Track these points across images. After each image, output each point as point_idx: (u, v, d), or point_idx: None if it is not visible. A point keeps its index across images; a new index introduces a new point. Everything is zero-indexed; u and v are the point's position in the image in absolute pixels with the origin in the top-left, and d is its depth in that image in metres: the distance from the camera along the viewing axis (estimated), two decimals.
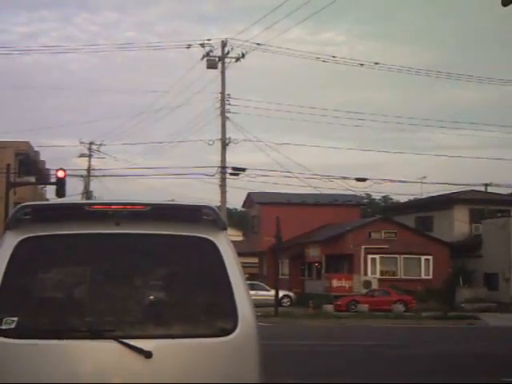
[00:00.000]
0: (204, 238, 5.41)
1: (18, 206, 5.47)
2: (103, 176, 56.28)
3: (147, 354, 5.00)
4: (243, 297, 5.28)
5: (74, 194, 52.09)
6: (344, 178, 47.67)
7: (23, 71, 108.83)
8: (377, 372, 16.69)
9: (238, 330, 5.20)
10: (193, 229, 5.44)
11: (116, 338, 5.02)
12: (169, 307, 5.34)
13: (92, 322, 5.20)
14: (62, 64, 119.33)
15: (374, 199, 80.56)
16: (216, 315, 5.31)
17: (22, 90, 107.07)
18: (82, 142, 60.70)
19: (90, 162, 61.15)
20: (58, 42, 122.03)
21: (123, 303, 5.28)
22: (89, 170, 60.91)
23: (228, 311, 5.23)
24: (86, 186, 61.06)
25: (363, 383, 14.96)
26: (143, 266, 5.43)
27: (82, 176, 58.86)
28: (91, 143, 60.67)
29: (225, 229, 5.53)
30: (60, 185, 30.77)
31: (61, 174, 31.00)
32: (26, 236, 5.33)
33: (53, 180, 35.66)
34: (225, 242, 5.45)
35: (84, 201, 15.32)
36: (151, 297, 5.42)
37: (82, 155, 61.13)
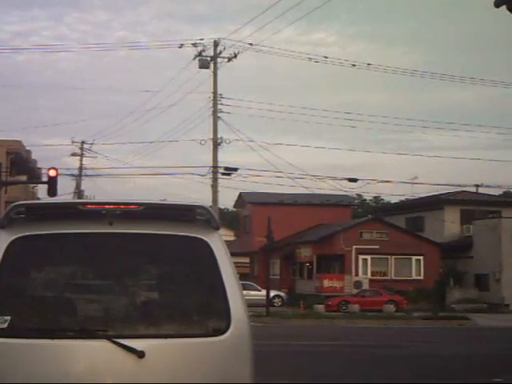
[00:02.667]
0: (197, 238, 5.42)
1: (12, 205, 5.46)
2: (95, 175, 56.20)
3: (140, 354, 5.01)
4: (236, 297, 5.29)
5: (65, 193, 51.97)
6: (335, 178, 47.77)
7: (15, 70, 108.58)
8: (367, 372, 16.73)
9: (230, 330, 5.21)
10: (186, 228, 5.45)
11: (109, 338, 5.02)
12: (162, 307, 5.34)
13: (85, 321, 5.20)
14: (54, 63, 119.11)
15: (365, 200, 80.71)
16: (209, 315, 5.31)
17: (13, 88, 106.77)
18: (73, 141, 60.61)
19: (81, 161, 61.06)
20: (49, 41, 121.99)
21: (116, 303, 5.29)
22: (80, 169, 60.78)
23: (221, 311, 5.24)
24: (78, 185, 60.94)
25: (356, 383, 14.99)
26: (136, 266, 5.43)
27: (73, 175, 58.72)
28: (83, 142, 60.57)
29: (218, 229, 5.53)
30: (51, 184, 30.65)
31: (52, 173, 30.88)
32: (19, 235, 5.32)
33: (44, 179, 35.58)
34: (218, 242, 5.46)
35: (77, 200, 15.25)
36: (144, 296, 5.42)
37: (73, 154, 60.98)
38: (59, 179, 31.70)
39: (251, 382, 5.30)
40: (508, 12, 13.81)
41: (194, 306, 5.34)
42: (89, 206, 5.53)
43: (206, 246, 5.39)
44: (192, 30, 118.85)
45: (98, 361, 5.02)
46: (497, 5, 13.87)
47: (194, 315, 5.32)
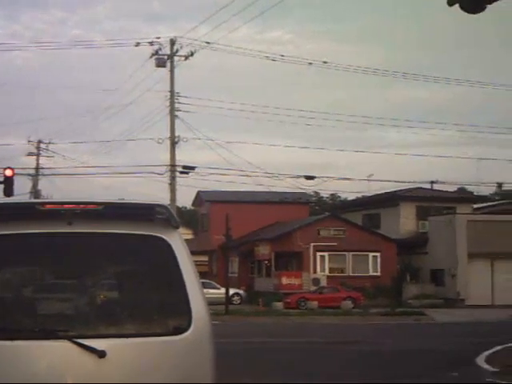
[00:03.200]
0: (157, 237, 5.41)
1: None
2: (52, 175, 55.57)
3: (101, 354, 5.00)
4: (197, 295, 5.31)
5: (21, 193, 51.24)
6: (293, 176, 47.96)
7: None
8: (325, 369, 16.86)
9: (191, 329, 5.22)
10: (146, 227, 5.43)
11: (69, 338, 5.00)
12: (122, 306, 5.34)
13: (45, 321, 5.17)
14: (8, 61, 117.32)
15: (323, 197, 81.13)
16: (170, 314, 5.32)
17: None
18: (30, 141, 59.80)
19: (38, 160, 60.24)
20: (3, 39, 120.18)
21: (77, 303, 5.27)
22: (37, 168, 60.01)
23: (182, 310, 5.25)
24: (35, 184, 60.17)
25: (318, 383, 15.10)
26: (96, 266, 5.41)
27: (30, 175, 57.96)
28: (39, 141, 59.76)
29: (178, 227, 5.54)
30: (8, 184, 30.22)
31: (8, 172, 30.46)
32: None
33: (0, 179, 35.05)
34: (178, 241, 5.47)
35: (36, 200, 15.06)
36: (105, 296, 5.41)
37: (30, 154, 60.17)
38: (15, 179, 31.28)
39: (212, 380, 5.33)
40: (461, 10, 14.01)
41: (154, 304, 5.35)
42: (47, 206, 5.46)
43: (166, 245, 5.39)
44: (148, 28, 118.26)
45: (59, 361, 5.00)
46: (450, 3, 14.07)
47: (155, 314, 5.32)
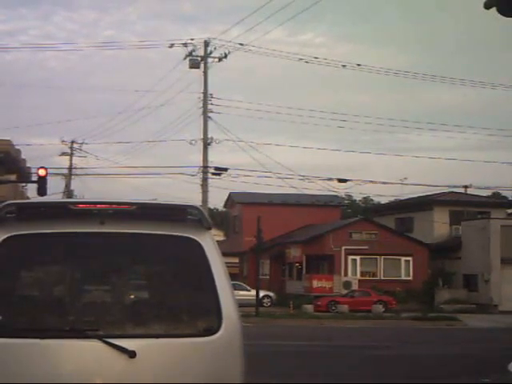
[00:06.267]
0: (189, 238, 5.41)
1: (2, 204, 5.44)
2: (85, 175, 56.04)
3: (131, 354, 5.00)
4: (228, 297, 5.30)
5: (54, 192, 51.73)
6: (325, 178, 47.80)
7: (2, 69, 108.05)
8: (357, 372, 16.76)
9: (222, 330, 5.21)
10: (178, 228, 5.44)
11: (100, 338, 5.01)
12: (153, 307, 5.34)
13: (75, 321, 5.19)
14: (42, 62, 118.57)
15: (355, 200, 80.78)
16: (200, 315, 5.32)
17: (1, 87, 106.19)
18: (63, 141, 60.36)
19: (71, 160, 60.77)
20: (37, 40, 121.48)
21: (107, 302, 5.29)
22: (70, 168, 60.54)
23: (212, 311, 5.24)
24: (67, 184, 60.72)
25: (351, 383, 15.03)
26: (128, 266, 5.43)
27: (63, 175, 58.51)
28: (73, 142, 60.30)
29: (210, 228, 5.53)
30: (41, 183, 30.53)
31: (42, 172, 30.77)
32: (10, 234, 5.30)
33: (34, 178, 35.42)
34: (210, 242, 5.46)
35: (69, 199, 15.18)
36: (135, 296, 5.41)
37: (63, 154, 60.74)
38: (49, 179, 31.58)
39: (242, 381, 5.31)
40: (498, 13, 13.80)
41: (185, 305, 5.34)
42: (80, 206, 5.50)
43: (198, 246, 5.39)
44: (180, 30, 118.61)
45: (89, 361, 5.01)
46: (487, 6, 13.86)
47: (185, 315, 5.32)
